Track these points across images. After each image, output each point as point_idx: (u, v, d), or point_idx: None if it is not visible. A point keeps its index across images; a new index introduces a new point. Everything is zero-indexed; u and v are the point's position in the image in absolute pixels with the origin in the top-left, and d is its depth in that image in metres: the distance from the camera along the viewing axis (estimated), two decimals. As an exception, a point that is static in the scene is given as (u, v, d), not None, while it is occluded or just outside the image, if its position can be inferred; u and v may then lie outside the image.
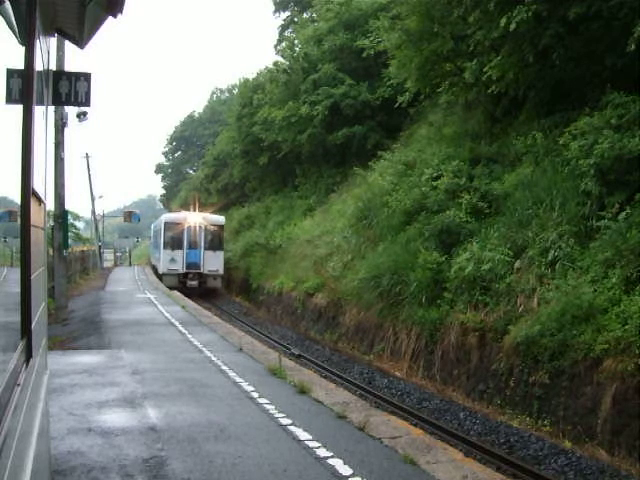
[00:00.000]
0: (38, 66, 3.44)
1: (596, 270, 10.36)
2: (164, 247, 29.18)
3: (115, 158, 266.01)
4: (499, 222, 13.61)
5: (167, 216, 33.08)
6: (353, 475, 4.87)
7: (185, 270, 28.33)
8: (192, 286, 27.81)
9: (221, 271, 29.01)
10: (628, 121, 11.30)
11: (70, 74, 8.40)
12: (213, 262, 28.67)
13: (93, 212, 54.70)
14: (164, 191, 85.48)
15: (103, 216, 65.29)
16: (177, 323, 13.58)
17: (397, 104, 21.45)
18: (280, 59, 35.84)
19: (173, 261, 28.53)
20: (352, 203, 21.41)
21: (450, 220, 14.38)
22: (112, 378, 8.07)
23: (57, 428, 5.69)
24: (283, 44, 40.48)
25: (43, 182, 3.94)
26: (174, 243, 28.93)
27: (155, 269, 36.68)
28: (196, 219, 29.45)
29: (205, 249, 28.82)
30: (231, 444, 5.54)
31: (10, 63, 2.79)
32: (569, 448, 9.01)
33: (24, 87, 2.98)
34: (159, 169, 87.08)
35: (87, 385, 7.65)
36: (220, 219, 31.11)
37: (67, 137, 17.70)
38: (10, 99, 2.79)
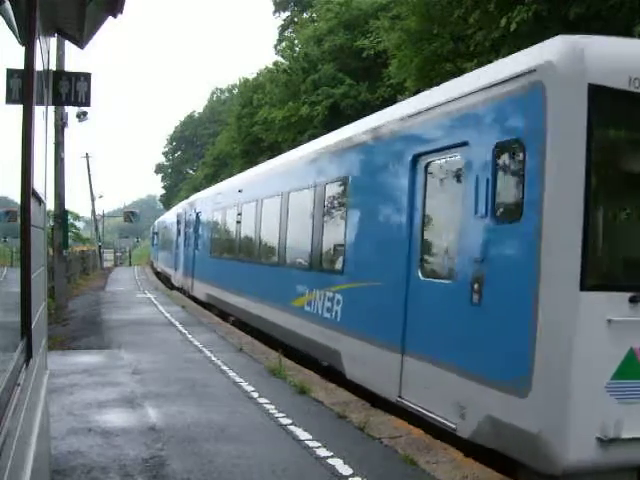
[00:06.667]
0: (38, 66, 3.44)
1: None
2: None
3: (115, 158, 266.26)
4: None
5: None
6: (353, 475, 4.87)
7: None
8: None
9: None
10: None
11: (70, 74, 8.39)
12: None
13: (93, 212, 54.75)
14: (164, 191, 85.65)
15: (103, 216, 65.32)
16: (177, 323, 13.58)
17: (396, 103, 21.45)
18: (280, 59, 35.88)
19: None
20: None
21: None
22: (112, 378, 8.07)
23: (57, 428, 5.69)
24: (283, 44, 40.51)
25: (43, 182, 3.95)
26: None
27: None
28: None
29: None
30: (231, 444, 5.54)
31: (10, 63, 2.79)
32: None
33: (24, 87, 2.99)
34: (159, 169, 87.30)
35: (87, 385, 7.64)
36: None
37: (67, 137, 17.73)
38: (10, 99, 2.79)
